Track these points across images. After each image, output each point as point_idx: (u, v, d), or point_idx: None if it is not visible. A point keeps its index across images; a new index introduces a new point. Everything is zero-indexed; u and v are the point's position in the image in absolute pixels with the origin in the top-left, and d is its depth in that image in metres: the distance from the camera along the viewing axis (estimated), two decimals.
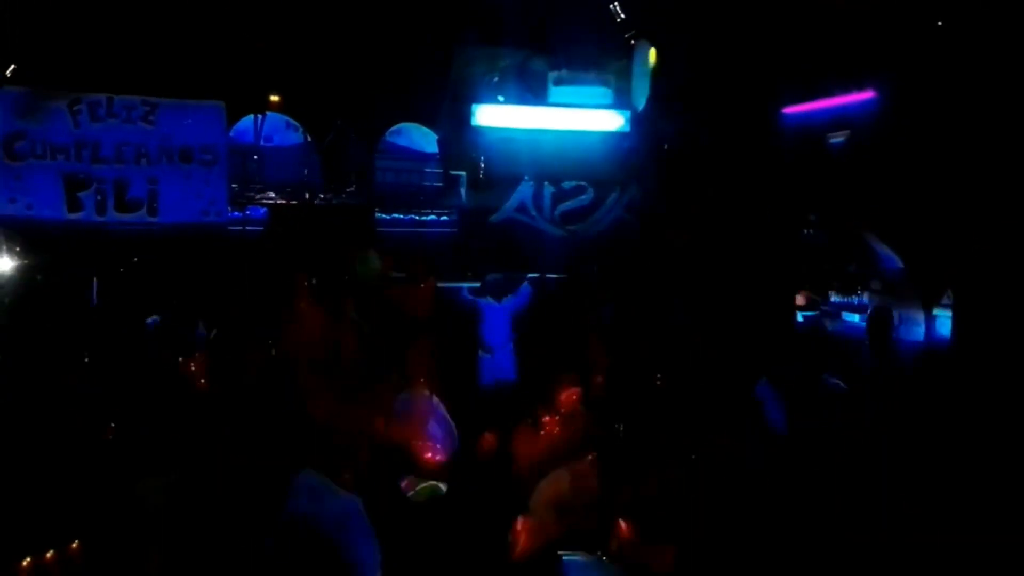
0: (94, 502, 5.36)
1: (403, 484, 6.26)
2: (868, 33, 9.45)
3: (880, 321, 7.83)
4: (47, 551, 4.66)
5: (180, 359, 7.69)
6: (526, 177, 14.00)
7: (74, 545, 4.84)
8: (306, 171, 13.82)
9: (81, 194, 10.58)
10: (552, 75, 14.42)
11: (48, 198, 10.46)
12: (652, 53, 13.15)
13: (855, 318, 10.03)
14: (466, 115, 14.10)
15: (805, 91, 10.78)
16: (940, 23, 8.67)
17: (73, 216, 10.55)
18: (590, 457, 5.56)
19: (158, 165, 10.91)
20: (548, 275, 12.18)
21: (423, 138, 15.16)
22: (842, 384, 6.72)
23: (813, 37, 10.22)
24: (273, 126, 13.78)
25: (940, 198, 8.62)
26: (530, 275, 11.53)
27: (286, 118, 13.85)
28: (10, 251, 9.73)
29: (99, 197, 10.66)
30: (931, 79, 8.76)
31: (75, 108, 10.47)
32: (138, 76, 10.90)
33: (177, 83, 11.09)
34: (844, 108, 10.24)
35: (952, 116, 8.51)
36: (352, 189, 14.08)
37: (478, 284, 10.89)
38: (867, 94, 9.76)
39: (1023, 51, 7.61)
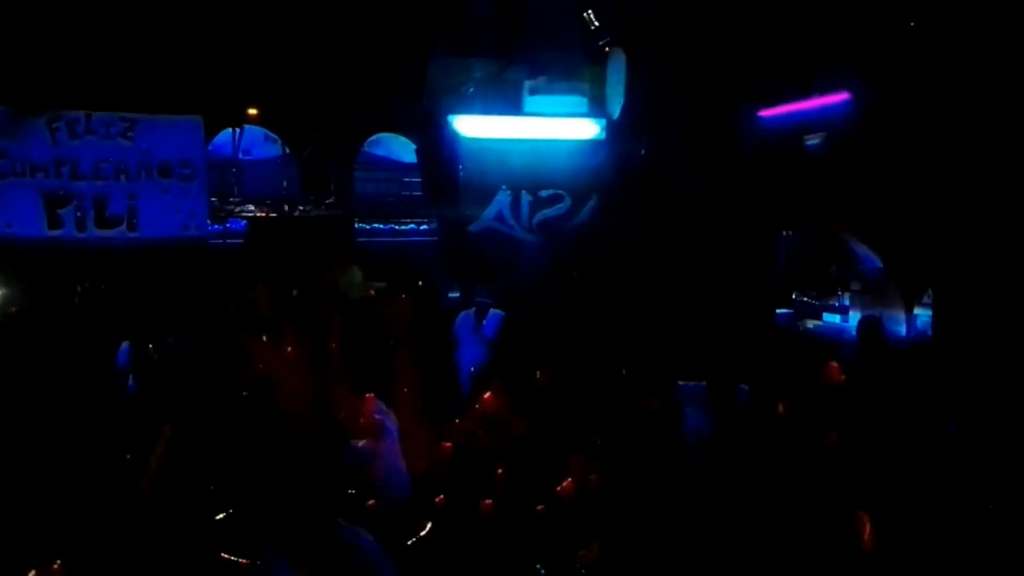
0: (76, 522, 5.35)
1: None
2: (842, 35, 9.56)
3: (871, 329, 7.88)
4: (28, 571, 4.65)
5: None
6: (504, 186, 14.03)
7: (56, 565, 4.82)
8: (285, 183, 13.80)
9: (61, 211, 10.50)
10: (527, 84, 14.48)
11: (27, 216, 10.38)
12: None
13: (836, 319, 10.14)
14: (443, 125, 14.12)
15: (781, 93, 10.87)
16: (912, 24, 8.79)
17: (53, 233, 10.46)
18: None
19: (137, 181, 10.85)
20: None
21: (401, 148, 15.19)
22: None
23: (788, 39, 10.32)
24: (251, 139, 13.77)
25: (917, 197, 8.73)
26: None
27: (264, 131, 13.84)
28: None
29: (79, 214, 10.58)
30: (905, 80, 8.87)
31: (53, 125, 10.39)
32: (116, 92, 10.83)
33: (155, 98, 11.04)
34: (819, 110, 10.32)
35: (926, 116, 8.63)
36: (331, 200, 14.07)
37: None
38: (842, 95, 9.85)
39: (995, 51, 7.74)
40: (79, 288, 10.02)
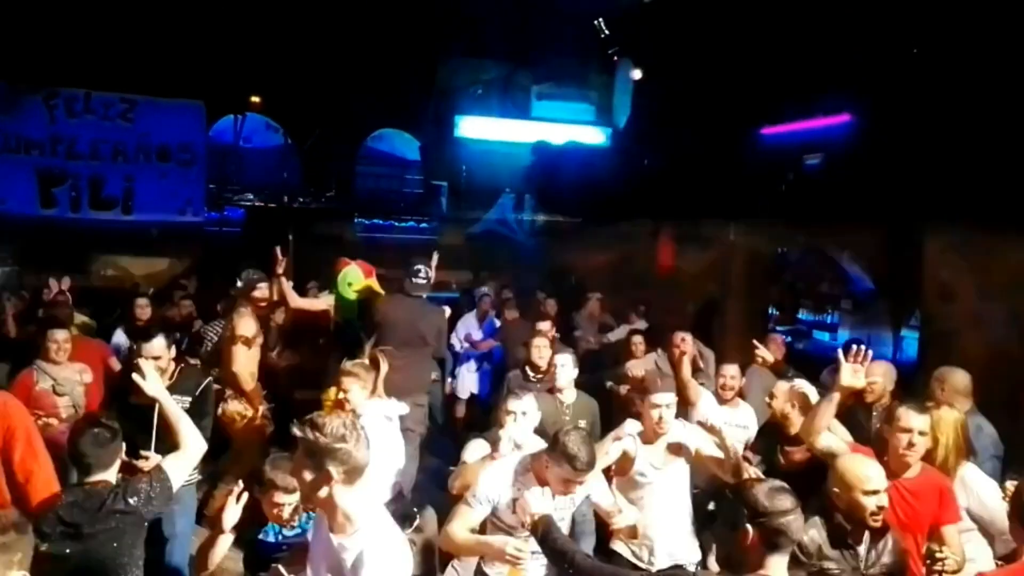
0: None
1: None
2: (845, 59, 9.56)
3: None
4: None
5: None
6: (507, 189, 14.02)
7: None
8: (286, 174, 13.74)
9: (55, 190, 10.48)
10: (535, 89, 14.49)
11: (22, 193, 10.35)
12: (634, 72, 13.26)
13: (825, 336, 10.11)
14: (449, 125, 14.14)
15: (783, 113, 10.87)
16: (914, 51, 8.77)
17: (47, 212, 10.44)
18: None
19: (135, 163, 10.84)
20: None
21: (405, 145, 15.17)
22: None
23: (792, 61, 10.31)
24: (253, 127, 13.73)
25: (911, 220, 8.69)
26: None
27: (266, 119, 13.80)
28: None
29: (74, 193, 10.56)
30: (904, 104, 8.85)
31: (51, 102, 10.38)
32: (117, 73, 10.81)
33: (156, 81, 11.03)
34: (820, 130, 10.33)
35: (924, 140, 8.59)
36: (332, 193, 14.03)
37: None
38: (843, 117, 9.86)
39: (992, 78, 7.71)
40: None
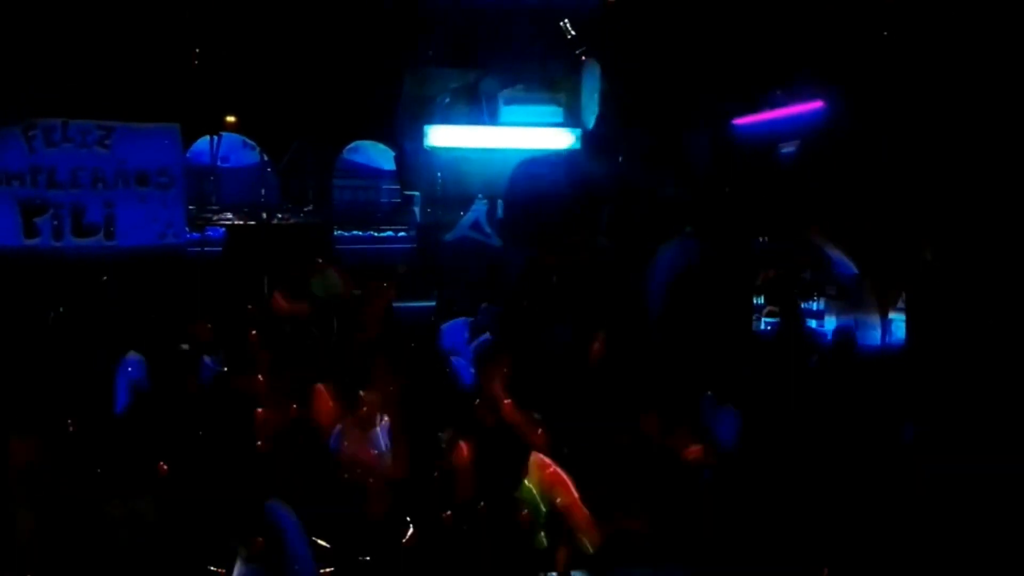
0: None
1: None
2: (816, 45, 9.71)
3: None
4: None
5: None
6: (480, 195, 14.06)
7: None
8: (263, 191, 13.77)
9: (38, 220, 10.44)
10: (503, 95, 14.53)
11: (4, 224, 10.31)
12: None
13: (812, 323, 10.27)
14: (420, 135, 14.14)
15: (756, 102, 11.00)
16: (885, 33, 8.94)
17: (30, 242, 10.40)
18: None
19: (114, 189, 10.81)
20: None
21: (380, 156, 15.17)
22: None
23: (763, 50, 10.45)
24: (229, 146, 13.72)
25: (890, 204, 8.87)
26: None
27: (242, 138, 13.80)
28: None
29: (56, 222, 10.52)
30: (877, 88, 9.02)
31: (30, 133, 10.35)
32: (93, 101, 10.79)
33: (132, 106, 11.01)
34: (794, 118, 10.47)
35: (898, 124, 8.77)
36: (310, 208, 14.07)
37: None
38: (816, 104, 10.00)
39: (965, 60, 7.89)
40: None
